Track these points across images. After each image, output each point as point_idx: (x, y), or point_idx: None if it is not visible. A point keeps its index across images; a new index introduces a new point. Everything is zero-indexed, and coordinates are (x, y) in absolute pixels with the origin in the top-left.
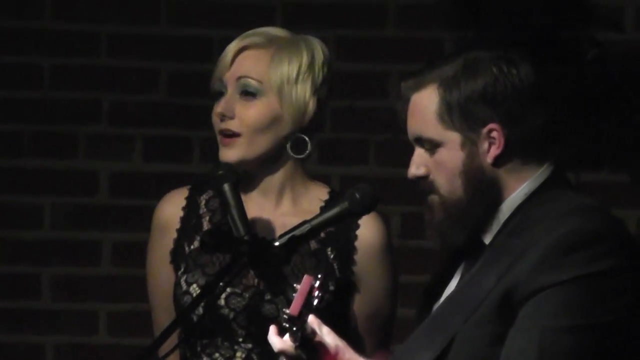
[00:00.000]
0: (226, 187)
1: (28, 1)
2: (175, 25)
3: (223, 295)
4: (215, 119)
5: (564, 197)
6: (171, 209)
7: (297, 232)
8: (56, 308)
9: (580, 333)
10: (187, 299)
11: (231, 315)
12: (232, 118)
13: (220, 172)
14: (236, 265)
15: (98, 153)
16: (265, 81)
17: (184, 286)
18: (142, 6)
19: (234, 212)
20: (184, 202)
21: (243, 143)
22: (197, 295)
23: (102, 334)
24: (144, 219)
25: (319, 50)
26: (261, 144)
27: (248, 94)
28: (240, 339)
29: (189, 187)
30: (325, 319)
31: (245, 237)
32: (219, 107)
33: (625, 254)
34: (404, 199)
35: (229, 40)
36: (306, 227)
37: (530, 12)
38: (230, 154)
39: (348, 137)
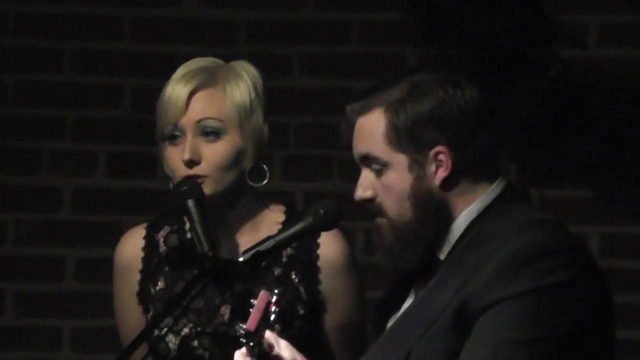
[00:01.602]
0: (190, 202)
1: None
2: (139, 41)
3: (194, 336)
4: (177, 164)
5: (517, 212)
6: (131, 250)
7: (261, 248)
8: (20, 324)
9: (534, 345)
10: (163, 345)
11: (206, 355)
12: (199, 163)
13: (184, 187)
14: (200, 281)
15: (61, 169)
16: (226, 119)
17: (156, 331)
18: (105, 22)
19: (198, 228)
20: (142, 242)
21: (211, 182)
22: (160, 312)
23: (66, 350)
24: (108, 235)
25: (255, 75)
26: (227, 180)
27: (211, 134)
28: None
29: (145, 225)
30: (299, 343)
31: (210, 254)
32: (187, 154)
33: (578, 266)
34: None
35: (193, 56)
36: (270, 242)
37: (494, 29)
38: None
39: (312, 153)
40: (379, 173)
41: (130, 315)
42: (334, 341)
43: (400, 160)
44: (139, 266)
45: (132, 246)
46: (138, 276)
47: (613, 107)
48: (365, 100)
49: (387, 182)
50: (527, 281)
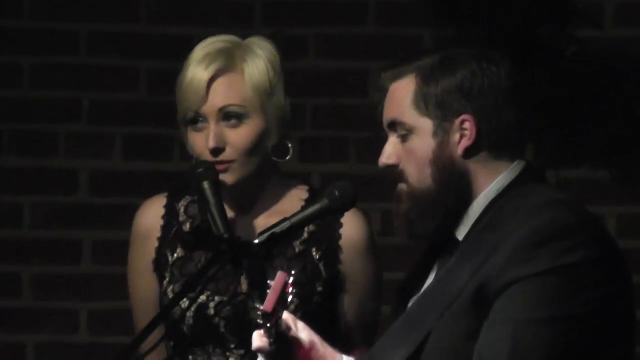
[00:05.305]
0: (206, 184)
1: (7, 0)
2: (155, 24)
3: (212, 305)
4: (203, 150)
5: (536, 192)
6: (151, 217)
7: (277, 230)
8: (37, 307)
9: (552, 325)
10: (176, 310)
11: (222, 323)
12: (224, 149)
13: (200, 170)
14: (216, 263)
15: (78, 152)
16: (247, 104)
17: (172, 297)
18: (122, 4)
19: (214, 210)
20: (163, 210)
21: (238, 167)
22: (177, 293)
23: (83, 333)
24: (124, 217)
25: (272, 51)
26: (254, 163)
27: (234, 119)
28: (233, 346)
29: (166, 194)
30: (316, 320)
31: (225, 236)
32: (212, 143)
33: (597, 246)
34: (385, 196)
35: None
36: (286, 224)
37: (510, 9)
38: (228, 178)
39: (328, 135)
40: (404, 139)
41: (144, 284)
42: (350, 321)
43: (425, 125)
44: (158, 234)
45: (152, 214)
46: (156, 244)
47: (629, 88)
48: (399, 67)
49: (410, 147)
50: (545, 261)
